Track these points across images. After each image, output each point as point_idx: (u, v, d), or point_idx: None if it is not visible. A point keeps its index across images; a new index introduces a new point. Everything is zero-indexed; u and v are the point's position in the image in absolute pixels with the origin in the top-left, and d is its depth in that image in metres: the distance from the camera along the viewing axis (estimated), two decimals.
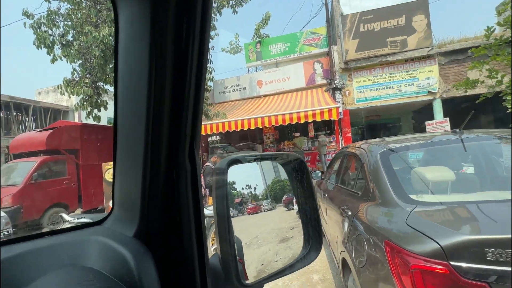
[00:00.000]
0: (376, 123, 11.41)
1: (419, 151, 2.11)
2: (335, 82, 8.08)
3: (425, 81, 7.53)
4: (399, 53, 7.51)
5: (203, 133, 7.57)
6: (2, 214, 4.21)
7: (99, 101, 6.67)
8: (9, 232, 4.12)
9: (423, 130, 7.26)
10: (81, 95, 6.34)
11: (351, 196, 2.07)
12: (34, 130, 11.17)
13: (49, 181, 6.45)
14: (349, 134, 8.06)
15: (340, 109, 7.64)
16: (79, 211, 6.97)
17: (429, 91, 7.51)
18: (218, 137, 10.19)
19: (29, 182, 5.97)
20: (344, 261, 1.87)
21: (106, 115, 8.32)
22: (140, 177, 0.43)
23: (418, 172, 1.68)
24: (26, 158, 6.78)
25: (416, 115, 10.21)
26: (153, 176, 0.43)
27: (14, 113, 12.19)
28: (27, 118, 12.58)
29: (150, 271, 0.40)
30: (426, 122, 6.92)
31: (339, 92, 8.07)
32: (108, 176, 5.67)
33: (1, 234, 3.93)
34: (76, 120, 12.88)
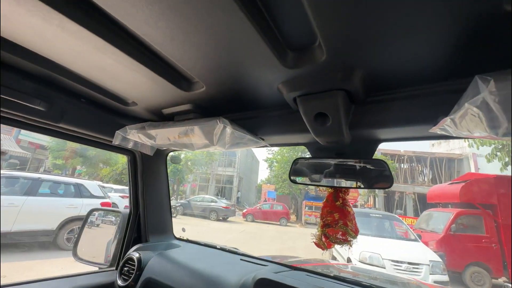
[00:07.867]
0: None
1: None
2: None
3: None
4: None
5: None
6: (438, 259, 4.40)
7: None
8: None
9: None
10: (493, 145, 5.98)
11: None
12: (436, 180, 13.60)
13: (466, 235, 6.03)
14: None
15: None
16: (502, 279, 5.82)
17: None
18: None
19: (448, 232, 5.97)
20: None
21: None
22: None
23: None
24: (441, 208, 7.36)
25: None
26: None
27: (414, 164, 15.33)
28: (425, 168, 15.49)
29: None
30: None
31: None
32: None
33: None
34: (472, 169, 12.84)
